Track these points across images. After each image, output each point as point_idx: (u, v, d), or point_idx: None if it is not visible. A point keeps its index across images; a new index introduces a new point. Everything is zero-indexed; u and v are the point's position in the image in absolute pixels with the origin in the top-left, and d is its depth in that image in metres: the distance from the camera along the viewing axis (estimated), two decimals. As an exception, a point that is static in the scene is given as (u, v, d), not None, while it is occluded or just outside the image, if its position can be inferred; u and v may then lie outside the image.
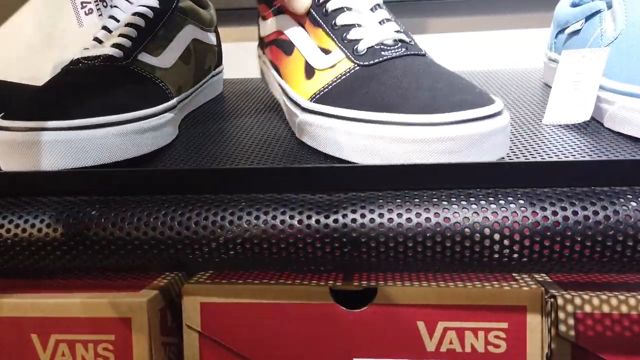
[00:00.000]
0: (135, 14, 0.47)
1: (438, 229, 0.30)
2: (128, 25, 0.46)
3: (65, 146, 0.34)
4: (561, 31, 0.53)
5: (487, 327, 0.32)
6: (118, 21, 0.46)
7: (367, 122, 0.33)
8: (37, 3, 0.74)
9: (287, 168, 0.34)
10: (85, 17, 0.50)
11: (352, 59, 0.37)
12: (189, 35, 0.52)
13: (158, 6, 0.48)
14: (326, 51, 0.38)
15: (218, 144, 0.42)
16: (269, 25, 0.45)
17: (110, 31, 0.46)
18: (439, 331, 0.33)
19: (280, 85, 0.44)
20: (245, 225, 0.31)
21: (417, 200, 0.31)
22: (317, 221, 0.31)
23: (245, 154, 0.39)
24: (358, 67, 0.37)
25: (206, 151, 0.41)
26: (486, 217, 0.30)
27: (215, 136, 0.44)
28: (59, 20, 0.78)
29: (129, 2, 0.48)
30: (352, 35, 0.38)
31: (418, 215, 0.30)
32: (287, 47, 0.42)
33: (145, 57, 0.45)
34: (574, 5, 0.54)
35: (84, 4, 0.50)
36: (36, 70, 0.75)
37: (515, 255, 0.30)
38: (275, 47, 0.44)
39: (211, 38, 0.57)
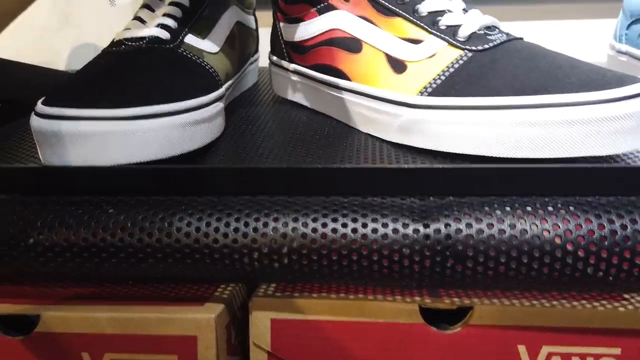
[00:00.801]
0: (179, -9, 0.42)
1: (556, 242, 0.26)
2: (172, 3, 0.41)
3: (120, 138, 0.30)
4: (635, 22, 0.49)
5: (598, 352, 0.29)
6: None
7: (521, 107, 0.29)
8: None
9: (385, 169, 0.29)
10: None
11: (459, 45, 0.33)
12: (234, 17, 0.47)
13: (202, -16, 0.44)
14: (414, 41, 0.34)
15: (274, 139, 0.38)
16: (312, 27, 0.40)
17: (152, 10, 0.41)
18: (543, 356, 0.29)
19: (345, 89, 0.38)
20: (330, 233, 0.27)
21: (529, 207, 0.27)
22: (416, 230, 0.27)
23: (310, 150, 0.35)
24: (471, 53, 0.33)
25: (265, 147, 0.36)
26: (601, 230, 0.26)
27: (267, 130, 0.40)
28: (75, -2, 0.73)
29: (172, -22, 0.44)
30: (446, 21, 0.34)
31: (534, 226, 0.26)
32: (351, 45, 0.37)
33: (192, 40, 0.40)
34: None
35: None
36: (52, 50, 0.71)
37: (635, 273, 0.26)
38: (332, 47, 0.39)
39: (251, 22, 0.53)
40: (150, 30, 0.39)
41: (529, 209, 0.27)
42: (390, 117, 0.35)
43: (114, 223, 0.28)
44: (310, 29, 0.40)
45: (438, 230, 0.27)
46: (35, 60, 0.70)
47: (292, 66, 0.43)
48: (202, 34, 0.42)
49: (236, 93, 0.51)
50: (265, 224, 0.28)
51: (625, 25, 0.50)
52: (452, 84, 0.32)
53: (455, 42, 0.33)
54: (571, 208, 0.27)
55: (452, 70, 0.32)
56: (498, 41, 0.33)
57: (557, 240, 0.26)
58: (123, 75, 0.34)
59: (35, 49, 0.71)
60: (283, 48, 0.43)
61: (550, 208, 0.27)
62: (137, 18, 0.40)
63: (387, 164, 0.32)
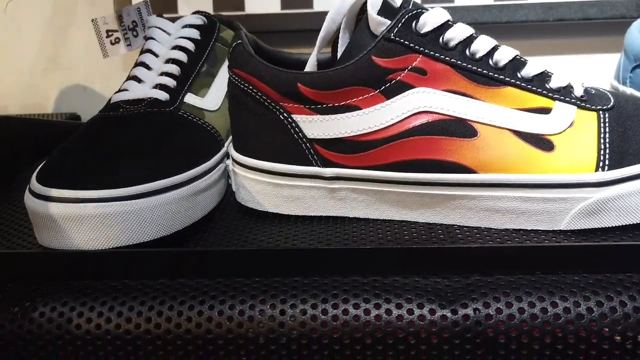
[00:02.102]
0: (175, 47, 0.41)
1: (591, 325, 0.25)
2: (169, 61, 0.40)
3: (123, 219, 0.28)
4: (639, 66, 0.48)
5: None
6: (156, 55, 0.40)
7: None
8: (38, 23, 0.67)
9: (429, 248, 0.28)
10: (112, 47, 0.44)
11: (588, 107, 0.31)
12: (232, 68, 0.46)
13: (199, 37, 0.42)
14: (541, 110, 0.30)
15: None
16: (379, 115, 0.31)
17: (149, 68, 0.39)
18: None
19: (471, 184, 0.31)
20: (365, 316, 0.26)
21: (575, 288, 0.26)
22: (444, 317, 0.25)
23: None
24: (605, 113, 0.31)
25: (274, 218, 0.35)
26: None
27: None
28: (63, 40, 0.71)
29: (167, 33, 0.42)
30: (556, 83, 0.31)
31: (576, 304, 0.25)
32: (458, 128, 0.30)
33: (191, 99, 0.39)
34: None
35: (110, 33, 0.44)
36: (41, 93, 0.69)
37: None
38: (425, 136, 0.30)
39: (249, 69, 0.52)
40: (148, 91, 0.37)
41: (574, 289, 0.26)
42: (566, 203, 0.29)
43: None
44: (374, 118, 0.31)
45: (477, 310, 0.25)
46: (24, 103, 0.69)
47: (336, 171, 0.32)
48: (202, 91, 0.40)
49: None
50: (283, 312, 0.26)
51: (628, 68, 0.50)
52: (619, 152, 0.29)
53: (582, 104, 0.31)
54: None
55: (607, 136, 0.30)
56: (609, 95, 0.32)
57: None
58: (121, 147, 0.32)
59: (22, 92, 0.69)
60: (307, 149, 0.32)
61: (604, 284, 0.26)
62: (133, 77, 0.39)
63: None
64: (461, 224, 0.32)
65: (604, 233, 0.29)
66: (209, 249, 0.30)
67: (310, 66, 0.33)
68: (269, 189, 0.34)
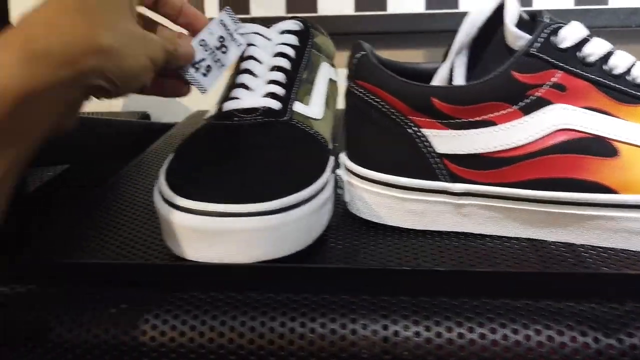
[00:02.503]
0: (278, 54, 0.40)
1: None
2: (274, 68, 0.39)
3: (264, 234, 0.28)
4: None
5: None
6: (260, 62, 0.40)
7: None
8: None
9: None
10: (206, 79, 0.36)
11: None
12: (326, 74, 0.45)
13: (298, 44, 0.42)
14: None
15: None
16: (517, 131, 0.30)
17: (255, 75, 0.39)
18: None
19: (609, 205, 0.30)
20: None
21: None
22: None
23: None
24: None
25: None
26: None
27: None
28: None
29: (267, 38, 0.42)
30: None
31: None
32: (598, 147, 0.29)
33: (299, 107, 0.38)
34: None
35: (197, 66, 0.35)
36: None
37: None
38: (561, 154, 0.30)
39: (335, 74, 0.51)
40: (260, 100, 0.37)
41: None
42: None
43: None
44: (512, 134, 0.30)
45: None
46: (95, 101, 0.68)
47: (461, 186, 0.32)
48: (305, 99, 0.40)
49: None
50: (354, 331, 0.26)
51: None
52: None
53: None
54: None
55: None
56: None
57: None
58: (248, 158, 0.32)
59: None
60: (435, 163, 0.32)
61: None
62: (241, 85, 0.38)
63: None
64: (594, 245, 0.31)
65: None
66: (348, 266, 0.30)
67: (441, 79, 0.32)
68: (391, 202, 0.33)
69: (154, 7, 0.34)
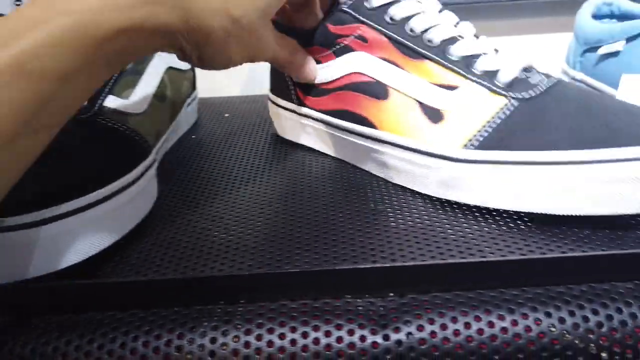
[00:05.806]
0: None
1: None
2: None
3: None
4: (590, 49, 0.47)
5: None
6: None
7: (584, 163, 0.26)
8: None
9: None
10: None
11: (501, 92, 0.30)
12: (162, 64, 0.42)
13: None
14: (449, 87, 0.31)
15: (209, 217, 0.33)
16: (330, 70, 0.36)
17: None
18: None
19: (370, 137, 0.35)
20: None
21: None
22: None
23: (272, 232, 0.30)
24: (517, 102, 0.29)
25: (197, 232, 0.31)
26: None
27: (201, 199, 0.35)
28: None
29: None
30: (482, 65, 0.31)
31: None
32: (376, 90, 0.34)
33: (113, 102, 0.34)
34: (597, 17, 0.49)
35: None
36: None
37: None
38: (354, 92, 0.35)
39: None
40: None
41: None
42: (429, 170, 0.31)
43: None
44: (327, 72, 0.36)
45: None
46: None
47: (304, 110, 0.39)
48: (125, 92, 0.36)
49: (171, 142, 0.45)
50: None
51: (578, 52, 0.49)
52: (501, 137, 0.29)
53: (496, 89, 0.30)
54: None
55: (498, 120, 0.29)
56: (543, 86, 0.30)
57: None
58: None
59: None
60: (292, 90, 0.40)
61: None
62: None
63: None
64: (373, 172, 0.36)
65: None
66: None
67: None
68: (281, 120, 0.43)
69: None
